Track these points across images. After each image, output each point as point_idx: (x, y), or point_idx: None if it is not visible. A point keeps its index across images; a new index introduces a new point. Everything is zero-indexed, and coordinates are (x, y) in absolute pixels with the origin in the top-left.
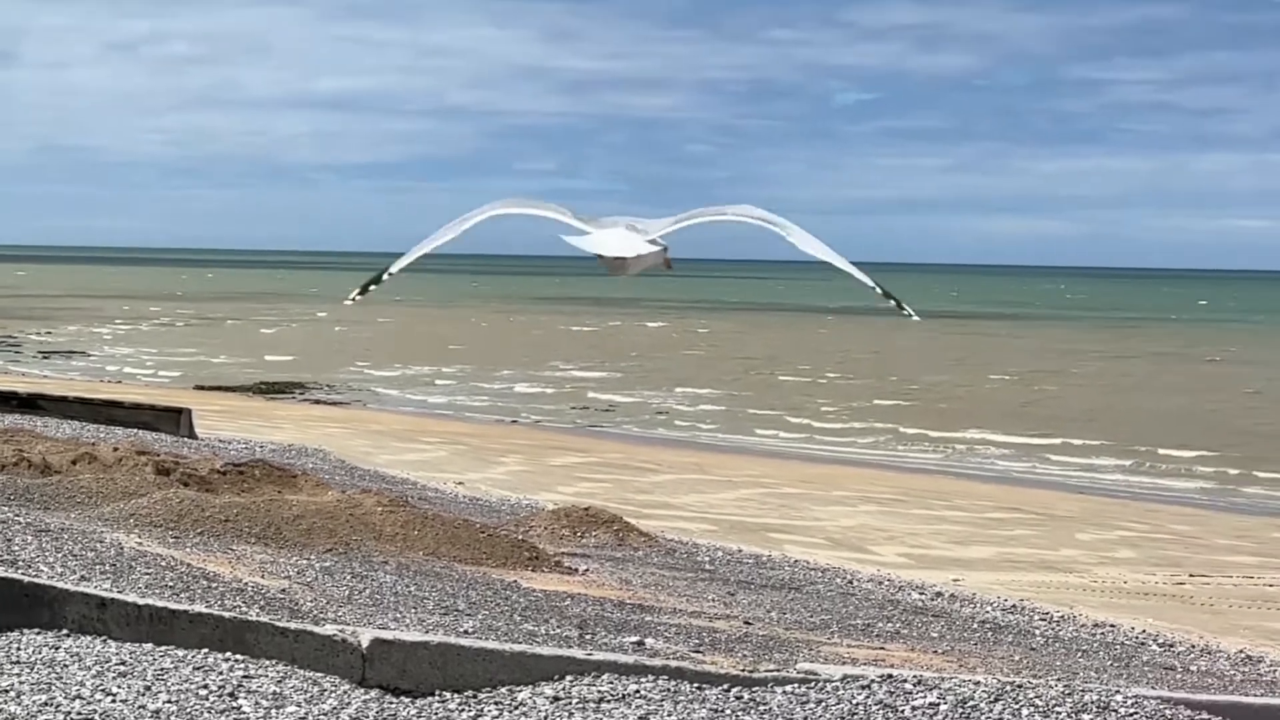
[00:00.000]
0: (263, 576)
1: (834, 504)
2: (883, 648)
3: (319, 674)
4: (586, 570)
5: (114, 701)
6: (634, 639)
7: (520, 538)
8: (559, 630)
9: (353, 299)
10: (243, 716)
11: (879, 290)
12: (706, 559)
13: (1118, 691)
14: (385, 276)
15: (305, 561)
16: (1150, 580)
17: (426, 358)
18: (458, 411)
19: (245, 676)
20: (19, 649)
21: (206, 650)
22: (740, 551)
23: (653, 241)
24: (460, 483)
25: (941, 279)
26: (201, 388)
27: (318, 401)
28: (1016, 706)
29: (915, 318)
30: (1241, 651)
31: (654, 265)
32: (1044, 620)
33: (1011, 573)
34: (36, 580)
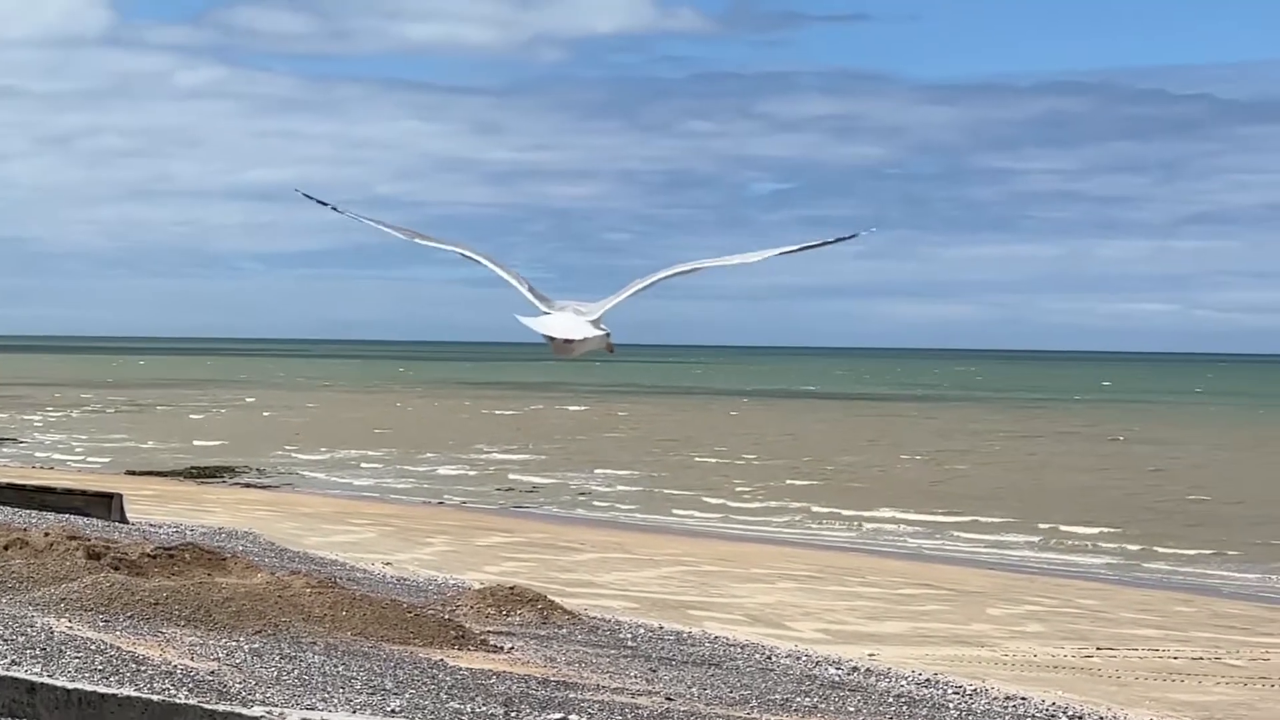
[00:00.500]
0: (192, 659)
1: (752, 581)
2: None
3: None
4: (512, 648)
5: None
6: (558, 716)
7: (447, 617)
8: (484, 708)
9: (319, 201)
10: None
11: (828, 240)
12: (629, 636)
13: None
14: (349, 214)
15: (234, 643)
16: (1059, 653)
17: (353, 441)
18: (384, 494)
19: None
20: None
21: None
22: (661, 628)
23: (596, 324)
24: (388, 563)
25: (854, 362)
26: (132, 473)
27: (248, 485)
28: None
29: (872, 230)
30: None
31: (597, 348)
32: (957, 693)
33: (925, 647)
34: None
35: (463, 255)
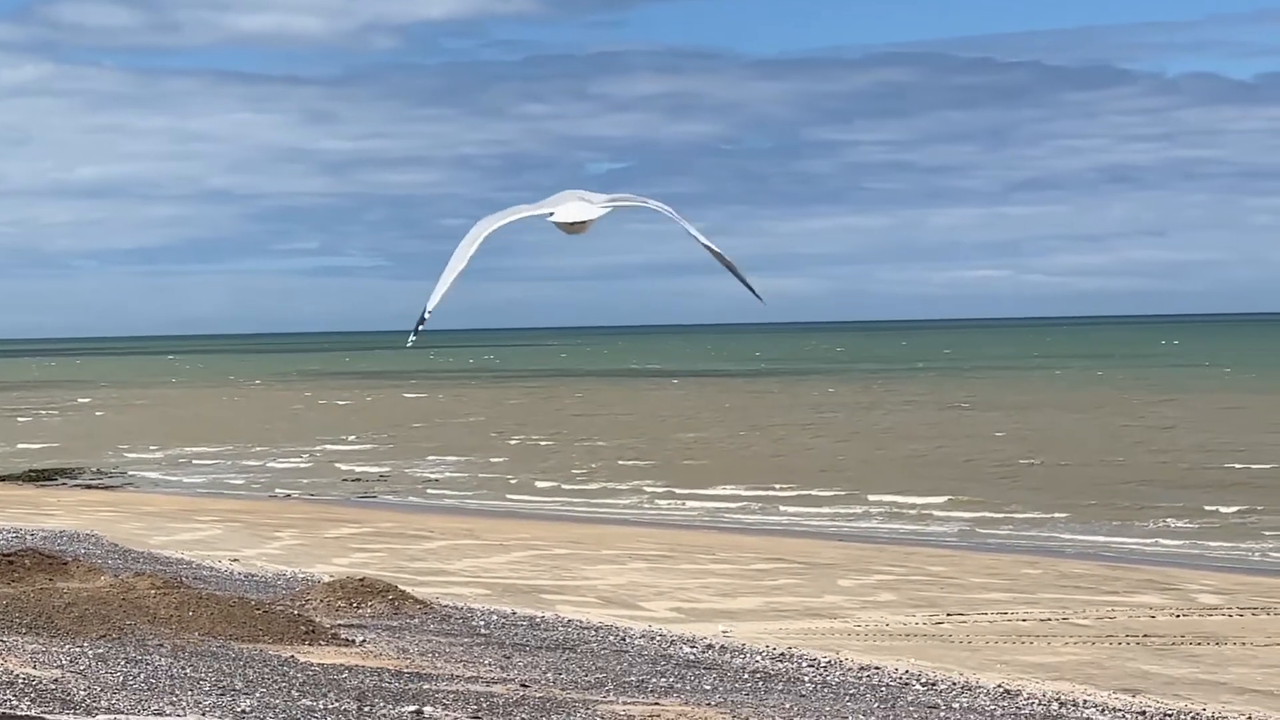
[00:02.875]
0: (34, 667)
1: (603, 563)
2: (657, 703)
3: None
4: (363, 641)
5: None
6: (412, 708)
7: (296, 612)
8: (337, 704)
9: (411, 343)
10: None
11: (742, 278)
12: (482, 623)
13: None
14: (427, 315)
15: (78, 649)
16: (910, 621)
17: (192, 438)
18: (225, 489)
19: None
20: None
21: None
22: (514, 614)
23: (602, 206)
24: (235, 559)
25: (697, 339)
26: None
27: (89, 486)
28: None
29: (763, 302)
30: (1000, 686)
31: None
32: (812, 666)
33: (778, 621)
34: None
35: (487, 236)
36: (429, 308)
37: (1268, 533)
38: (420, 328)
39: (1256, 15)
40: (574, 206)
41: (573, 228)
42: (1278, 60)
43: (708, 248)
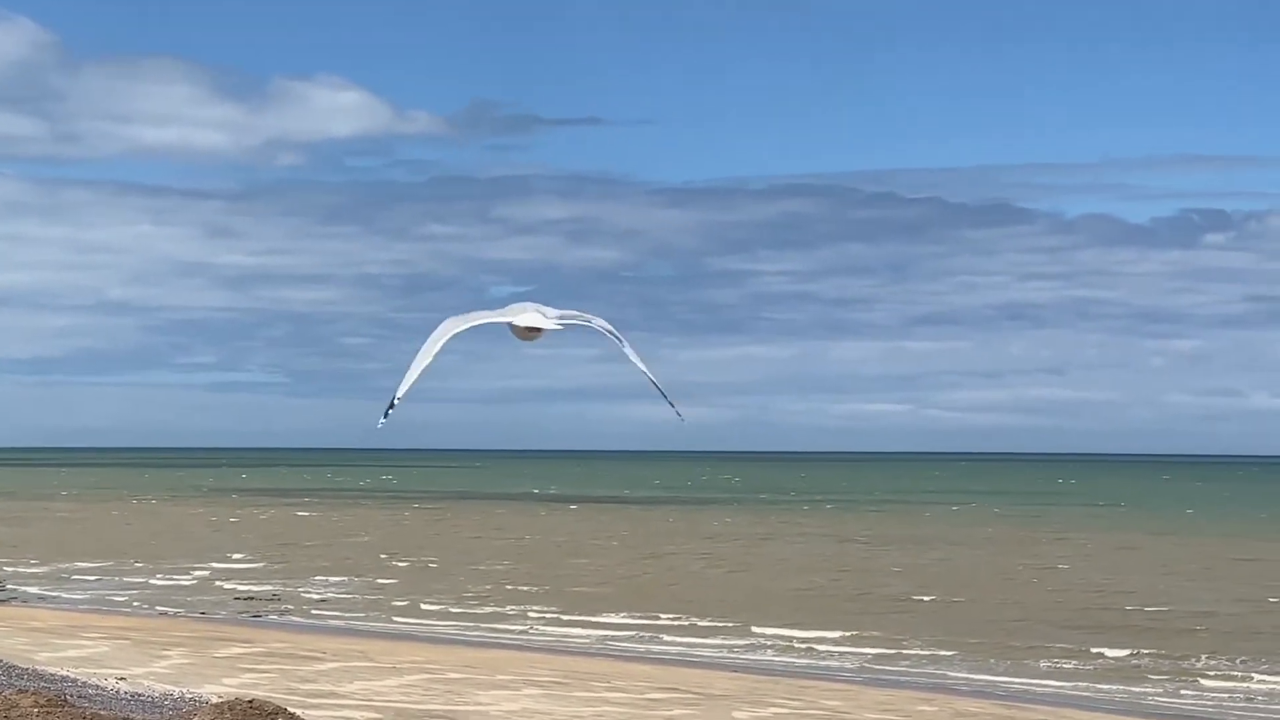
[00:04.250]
0: None
1: (497, 688)
2: None
3: None
4: None
5: None
6: None
7: None
8: None
9: (381, 425)
10: None
11: (667, 399)
12: None
13: None
14: (396, 401)
15: None
16: None
17: (78, 552)
18: (111, 605)
19: None
20: None
21: None
22: None
23: (555, 321)
24: (122, 678)
25: (596, 464)
26: None
27: None
28: None
29: (684, 420)
30: None
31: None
32: None
33: None
34: None
35: (452, 337)
36: (398, 395)
37: (1157, 676)
38: (389, 413)
39: (1148, 160)
40: (531, 315)
41: (528, 333)
42: (1171, 204)
43: (643, 372)
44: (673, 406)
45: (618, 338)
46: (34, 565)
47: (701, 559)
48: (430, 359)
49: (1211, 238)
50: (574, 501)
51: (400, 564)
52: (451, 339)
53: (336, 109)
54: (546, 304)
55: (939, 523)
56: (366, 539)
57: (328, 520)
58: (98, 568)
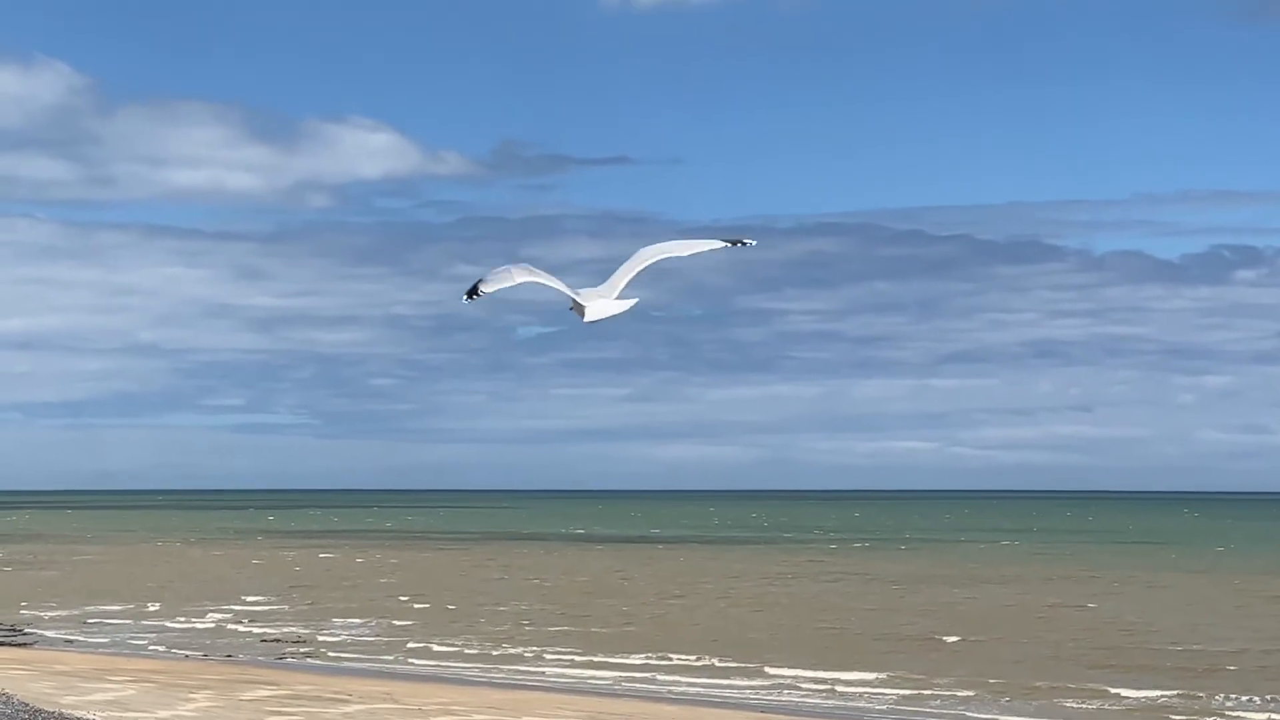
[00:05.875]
0: None
1: None
2: None
3: None
4: None
5: None
6: None
7: None
8: None
9: (464, 302)
10: None
11: (724, 243)
12: None
13: None
14: (481, 292)
15: None
16: None
17: (106, 594)
18: (136, 648)
19: None
20: None
21: None
22: None
23: (620, 298)
24: None
25: (620, 506)
26: None
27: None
28: None
29: (753, 243)
30: None
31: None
32: None
33: None
34: None
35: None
36: (483, 289)
37: (1185, 715)
38: (471, 297)
39: (1180, 197)
40: (601, 305)
41: (599, 320)
42: (1201, 241)
43: (696, 253)
44: (738, 241)
45: (662, 253)
46: (59, 609)
47: (724, 599)
48: (512, 282)
49: (1243, 274)
50: (599, 541)
51: (422, 605)
52: (534, 283)
53: (367, 150)
54: (597, 286)
55: (967, 561)
56: (389, 580)
57: (352, 562)
58: (122, 610)
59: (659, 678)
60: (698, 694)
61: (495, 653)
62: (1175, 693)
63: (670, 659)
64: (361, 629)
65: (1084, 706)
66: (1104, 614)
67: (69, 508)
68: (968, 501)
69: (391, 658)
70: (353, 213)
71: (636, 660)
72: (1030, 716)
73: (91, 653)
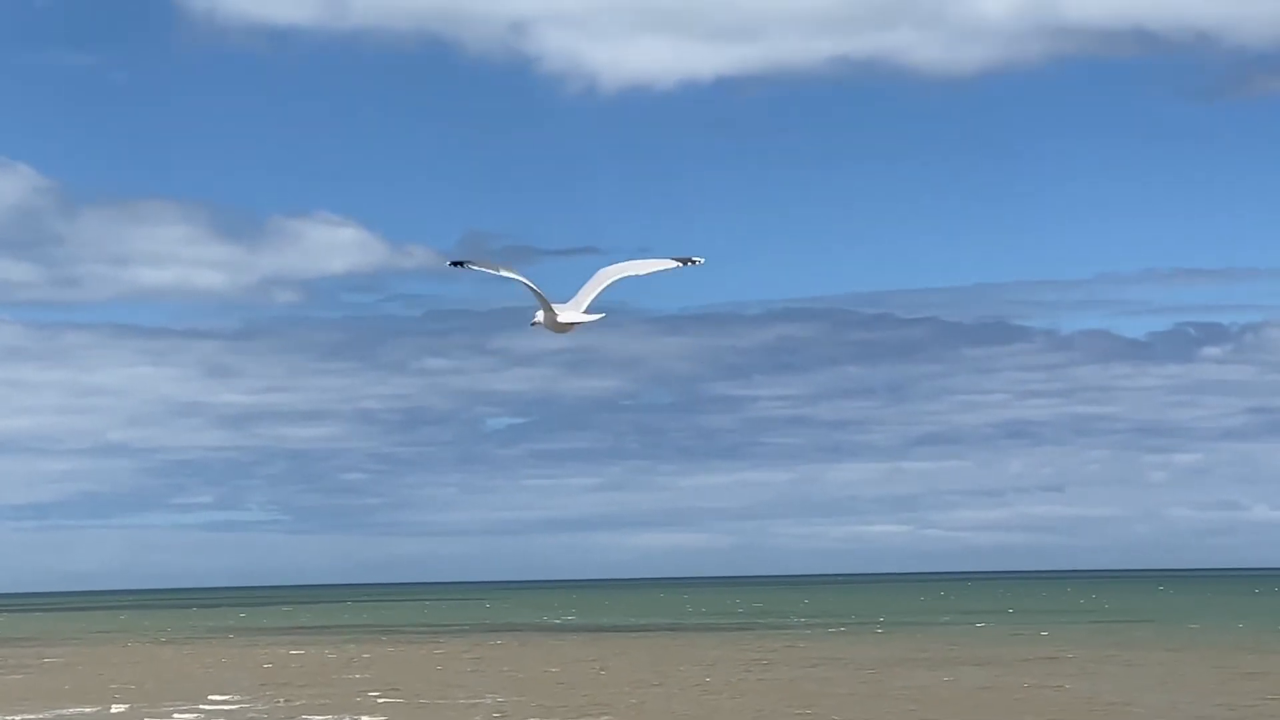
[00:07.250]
0: None
1: None
2: None
3: None
4: None
5: None
6: None
7: None
8: None
9: (449, 265)
10: None
11: (675, 262)
12: None
13: None
14: (467, 265)
15: None
16: None
17: (67, 698)
18: None
19: None
20: None
21: None
22: None
23: (586, 312)
24: None
25: (595, 595)
26: None
27: None
28: None
29: (701, 260)
30: None
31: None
32: None
33: None
34: None
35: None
36: (470, 262)
37: None
38: (457, 264)
39: (1144, 275)
40: (569, 312)
41: (563, 328)
42: (1166, 319)
43: (653, 271)
44: (687, 260)
45: (622, 272)
46: (26, 712)
47: (700, 686)
48: (511, 273)
49: (1209, 350)
50: (574, 631)
51: (394, 700)
52: (514, 279)
53: (333, 245)
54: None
55: (942, 643)
56: (361, 675)
57: (323, 657)
58: (89, 713)
59: None
60: None
61: None
62: None
63: None
64: None
65: None
66: (1081, 692)
67: (38, 610)
68: (942, 583)
69: None
70: (320, 308)
71: None
72: None
73: None
